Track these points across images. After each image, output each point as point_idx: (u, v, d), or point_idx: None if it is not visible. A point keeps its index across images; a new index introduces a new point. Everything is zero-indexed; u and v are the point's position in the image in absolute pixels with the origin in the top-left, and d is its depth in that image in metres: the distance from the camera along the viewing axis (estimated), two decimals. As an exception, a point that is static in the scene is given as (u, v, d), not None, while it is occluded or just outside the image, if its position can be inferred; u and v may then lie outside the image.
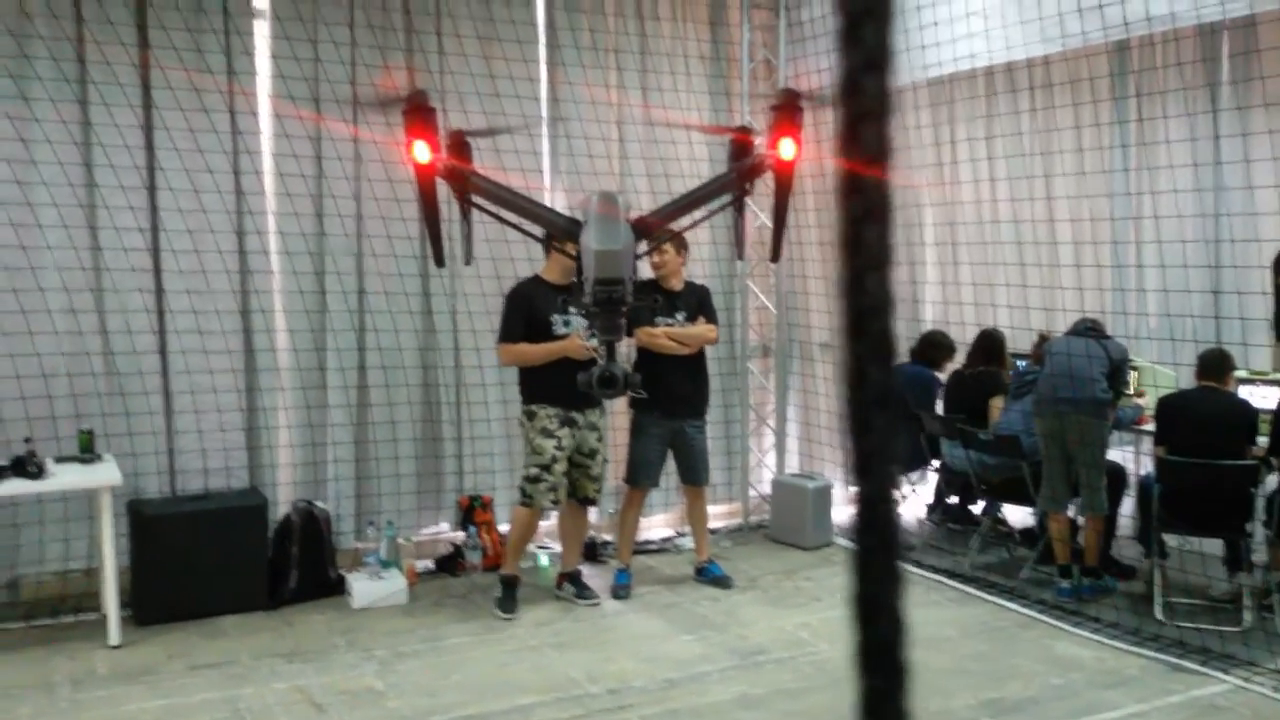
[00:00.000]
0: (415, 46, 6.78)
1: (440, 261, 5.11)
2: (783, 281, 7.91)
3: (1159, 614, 5.73)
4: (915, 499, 7.75)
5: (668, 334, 6.26)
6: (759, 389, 8.14)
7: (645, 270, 6.12)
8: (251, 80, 6.43)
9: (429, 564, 6.84)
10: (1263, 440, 5.73)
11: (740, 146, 5.09)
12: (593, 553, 6.94)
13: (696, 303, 6.41)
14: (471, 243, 5.20)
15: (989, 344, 7.16)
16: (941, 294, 8.19)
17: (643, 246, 4.97)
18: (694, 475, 6.57)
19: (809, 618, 5.97)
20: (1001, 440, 6.48)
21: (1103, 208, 7.38)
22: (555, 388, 5.82)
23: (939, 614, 6.03)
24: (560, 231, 4.98)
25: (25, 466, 5.48)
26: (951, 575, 6.63)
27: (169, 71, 6.18)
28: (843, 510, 7.35)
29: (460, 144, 4.70)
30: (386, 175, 6.59)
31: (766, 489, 7.91)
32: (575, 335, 5.88)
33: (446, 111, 6.34)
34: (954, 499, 7.70)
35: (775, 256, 5.35)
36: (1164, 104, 6.88)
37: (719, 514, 7.65)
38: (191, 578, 5.88)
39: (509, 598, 6.08)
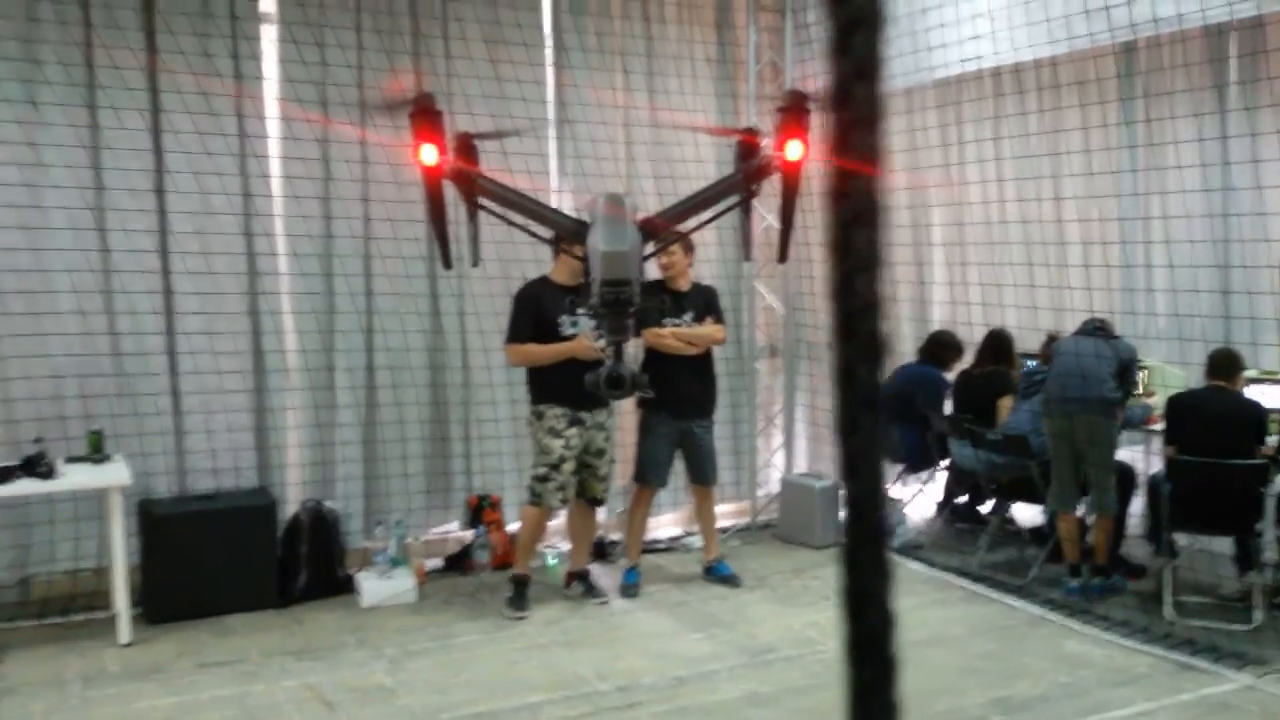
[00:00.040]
0: (422, 50, 6.80)
1: (448, 263, 5.13)
2: (790, 282, 7.92)
3: (1169, 612, 5.72)
4: (924, 498, 7.75)
5: (675, 334, 6.28)
6: (766, 389, 8.16)
7: (653, 271, 6.14)
8: (259, 84, 6.46)
9: (438, 563, 6.87)
10: (1272, 440, 5.73)
11: (747, 148, 5.11)
12: (601, 552, 6.96)
13: (704, 303, 6.42)
14: (479, 244, 5.23)
15: (997, 344, 7.17)
16: (949, 294, 8.20)
17: (650, 248, 4.99)
18: (702, 475, 6.59)
19: (817, 616, 5.98)
20: (1010, 440, 6.48)
21: (1111, 208, 7.38)
22: (563, 388, 5.84)
23: (948, 612, 6.04)
24: (567, 233, 5.00)
25: (36, 466, 5.52)
26: (961, 574, 6.64)
27: (177, 76, 6.22)
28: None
29: (467, 146, 4.72)
30: (394, 178, 6.62)
31: (775, 488, 7.92)
32: (583, 336, 5.90)
33: (453, 114, 6.36)
34: (963, 498, 7.70)
35: (783, 257, 5.37)
36: (1172, 105, 6.87)
37: (727, 513, 7.66)
38: (201, 576, 5.91)
39: (520, 597, 6.10)
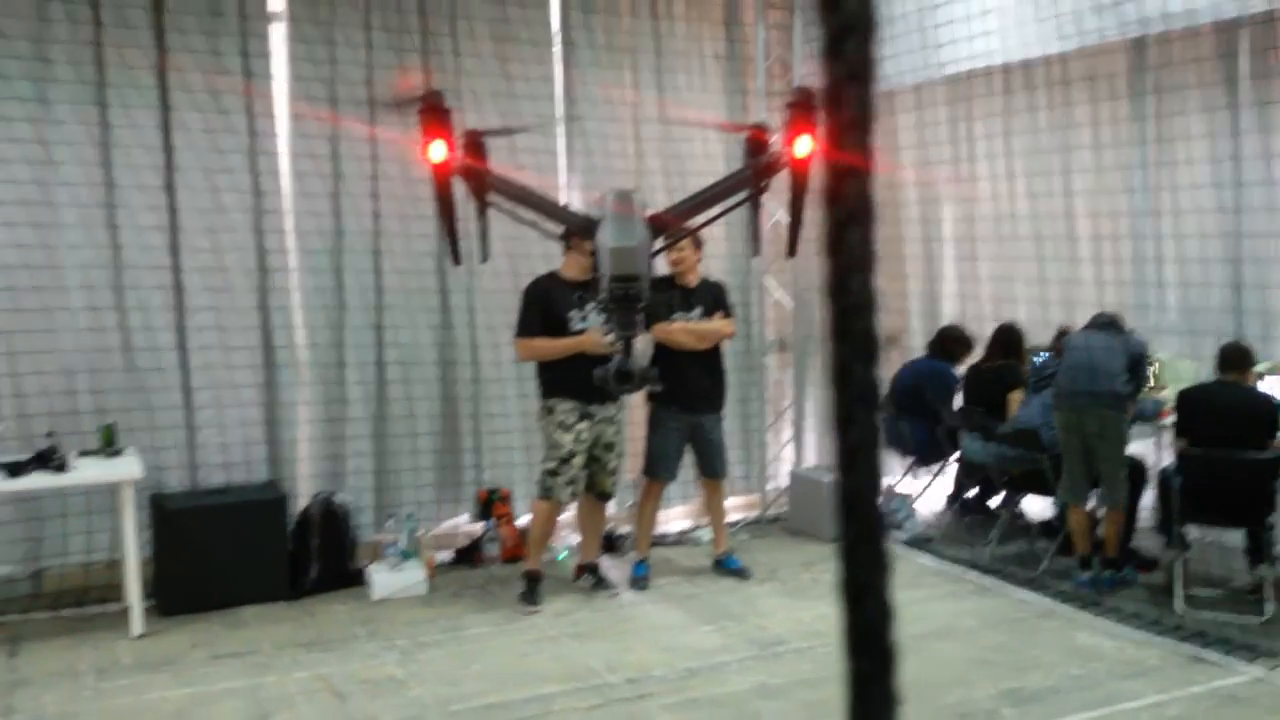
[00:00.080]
0: (431, 47, 6.82)
1: (457, 259, 5.16)
2: (799, 277, 7.93)
3: (1179, 605, 5.72)
4: (934, 491, 7.76)
5: (684, 329, 6.29)
6: (776, 383, 8.17)
7: (662, 267, 6.15)
8: (268, 82, 6.49)
9: (448, 555, 6.90)
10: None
11: (756, 144, 5.13)
12: (611, 545, 6.98)
13: (713, 298, 6.43)
14: (488, 240, 5.25)
15: (1007, 338, 7.17)
16: (959, 289, 8.19)
17: (659, 243, 5.01)
18: (712, 468, 6.61)
19: (827, 609, 5.93)
20: (1021, 433, 6.48)
21: (1121, 203, 7.37)
22: (573, 382, 5.85)
23: (959, 605, 6.05)
24: (577, 229, 5.03)
25: (48, 460, 5.56)
26: (971, 567, 6.65)
27: (186, 74, 6.25)
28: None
29: (476, 143, 4.75)
30: (403, 175, 6.64)
31: (784, 482, 7.93)
32: (592, 331, 5.91)
33: (462, 111, 6.38)
34: (973, 492, 7.70)
35: (792, 252, 5.39)
36: (1182, 100, 6.85)
37: (737, 506, 7.69)
38: (213, 569, 5.95)
39: (532, 592, 6.10)
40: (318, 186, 6.63)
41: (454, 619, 5.93)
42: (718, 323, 6.39)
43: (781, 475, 8.02)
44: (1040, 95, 7.45)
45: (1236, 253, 6.61)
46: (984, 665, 5.19)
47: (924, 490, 7.67)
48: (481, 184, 4.77)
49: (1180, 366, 6.60)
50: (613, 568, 6.64)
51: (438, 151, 4.50)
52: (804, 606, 6.06)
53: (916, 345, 8.01)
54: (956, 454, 7.40)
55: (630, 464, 6.71)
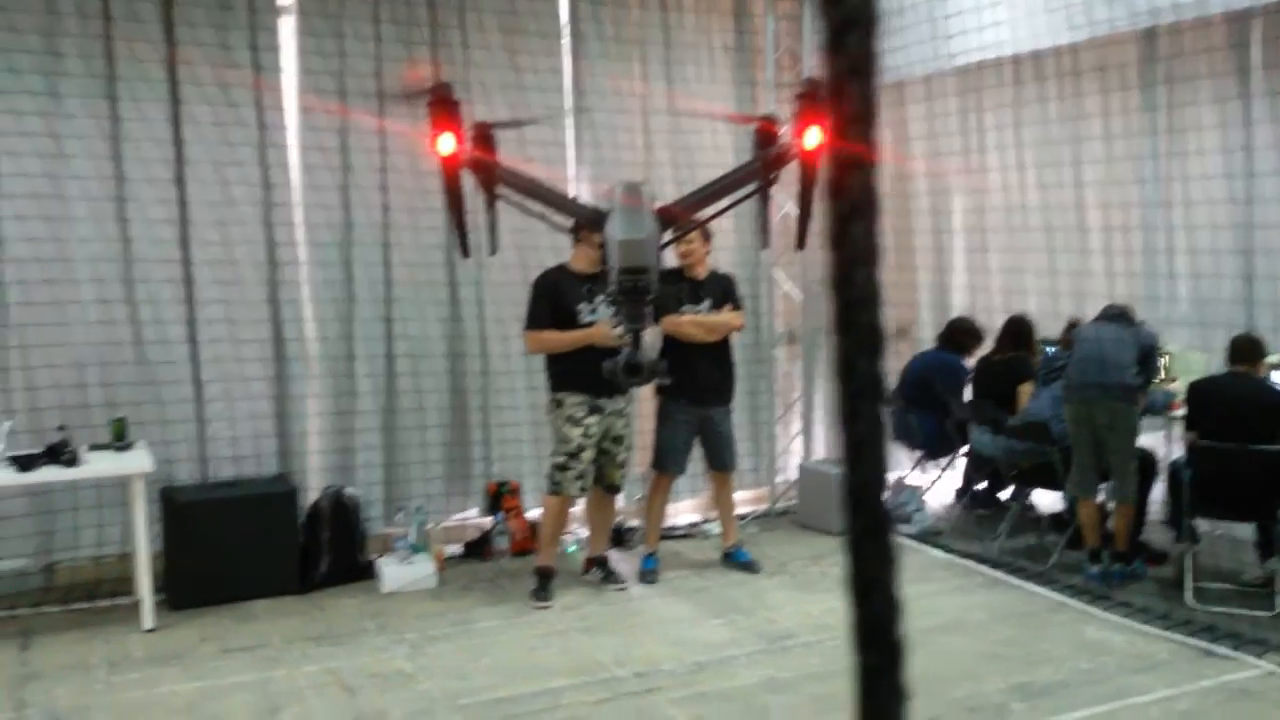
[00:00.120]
0: (440, 40, 6.82)
1: (466, 252, 5.16)
2: (808, 269, 7.91)
3: (1190, 599, 5.71)
4: (943, 485, 7.74)
5: (693, 322, 6.28)
6: (785, 375, 8.16)
7: (671, 259, 6.15)
8: (277, 75, 6.49)
9: (457, 549, 6.91)
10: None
11: (765, 135, 5.12)
12: (620, 538, 6.98)
13: (722, 291, 6.43)
14: (497, 233, 5.25)
15: (1017, 330, 7.15)
16: (969, 280, 8.17)
17: (668, 235, 5.00)
18: (721, 461, 6.61)
19: (836, 602, 5.98)
20: (1031, 426, 6.47)
21: (1132, 194, 7.34)
22: (582, 375, 5.85)
23: (968, 599, 6.04)
24: (586, 221, 5.02)
25: (59, 454, 5.58)
26: (981, 560, 6.63)
27: (196, 67, 6.26)
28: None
29: (485, 135, 4.74)
30: (412, 167, 6.65)
31: (793, 475, 7.93)
32: (601, 323, 5.91)
33: (471, 103, 6.38)
34: (982, 485, 7.69)
35: (801, 244, 5.37)
36: (1194, 90, 6.82)
37: (746, 500, 7.68)
38: (223, 563, 5.97)
39: (544, 588, 6.10)
40: (327, 179, 6.64)
41: (463, 612, 5.94)
42: (727, 315, 6.38)
43: (790, 468, 8.02)
44: (1051, 86, 7.43)
45: (1248, 244, 6.58)
46: (993, 659, 5.18)
47: (933, 483, 7.66)
48: (490, 176, 4.77)
49: (1191, 358, 6.58)
50: (621, 561, 6.65)
51: (446, 144, 4.50)
52: (813, 600, 6.06)
53: (926, 337, 8.00)
54: (966, 447, 7.39)
55: (639, 457, 6.71)
